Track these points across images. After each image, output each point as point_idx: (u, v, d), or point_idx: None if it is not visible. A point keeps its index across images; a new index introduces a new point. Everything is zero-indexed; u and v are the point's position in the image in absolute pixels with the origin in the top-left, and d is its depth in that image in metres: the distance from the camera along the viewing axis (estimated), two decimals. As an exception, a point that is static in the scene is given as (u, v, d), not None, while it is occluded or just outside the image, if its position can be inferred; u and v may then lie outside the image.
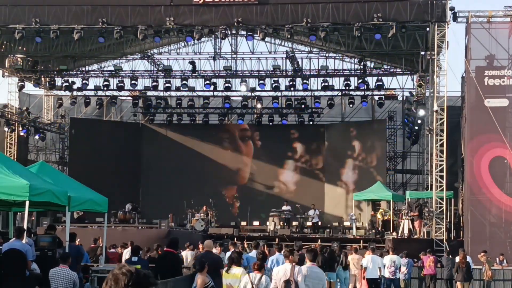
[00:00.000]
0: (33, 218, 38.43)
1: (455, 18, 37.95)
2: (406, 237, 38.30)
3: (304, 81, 48.97)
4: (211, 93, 52.39)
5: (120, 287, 5.22)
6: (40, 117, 53.56)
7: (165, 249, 20.96)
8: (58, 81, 50.77)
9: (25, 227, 19.03)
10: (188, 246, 28.89)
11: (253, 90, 51.01)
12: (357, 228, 43.61)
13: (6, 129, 48.29)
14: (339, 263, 26.91)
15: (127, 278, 5.22)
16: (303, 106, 51.99)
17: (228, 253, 20.65)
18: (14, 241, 17.76)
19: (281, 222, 44.03)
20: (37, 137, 52.23)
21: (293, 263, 15.83)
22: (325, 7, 37.51)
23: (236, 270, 15.79)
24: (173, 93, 53.23)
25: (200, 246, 24.97)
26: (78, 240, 24.27)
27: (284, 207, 45.43)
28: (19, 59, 48.03)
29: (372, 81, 48.71)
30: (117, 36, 39.21)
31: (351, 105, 51.24)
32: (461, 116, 41.09)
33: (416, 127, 47.51)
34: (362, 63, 48.26)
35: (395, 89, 50.64)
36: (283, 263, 18.94)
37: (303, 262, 18.98)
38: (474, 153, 37.20)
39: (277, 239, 39.50)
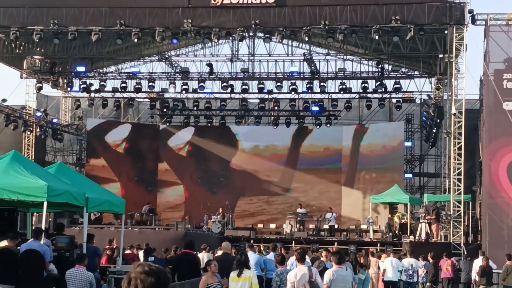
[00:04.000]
0: (50, 219, 38.50)
1: (473, 21, 37.75)
2: (423, 240, 38.15)
3: (322, 83, 48.86)
4: (228, 95, 52.35)
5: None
6: (58, 119, 53.70)
7: (183, 250, 20.96)
8: (76, 82, 50.90)
9: (43, 228, 19.06)
10: (205, 248, 28.88)
11: (270, 92, 50.95)
12: (374, 231, 43.53)
13: (24, 130, 48.45)
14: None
15: (153, 278, 5.27)
16: (320, 108, 51.87)
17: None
18: (32, 241, 17.80)
19: (297, 225, 44.00)
20: (54, 138, 52.39)
21: (309, 266, 15.81)
22: (343, 10, 37.43)
23: (248, 273, 15.69)
24: (190, 95, 53.25)
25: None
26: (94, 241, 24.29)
27: (299, 210, 45.40)
28: (37, 61, 48.21)
29: (390, 83, 48.53)
30: (135, 38, 39.26)
31: (368, 108, 51.11)
32: (479, 119, 40.90)
33: (434, 130, 47.30)
34: (380, 66, 48.16)
35: (413, 92, 50.51)
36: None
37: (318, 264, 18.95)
38: (492, 157, 36.98)
39: (293, 242, 39.52)
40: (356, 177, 52.93)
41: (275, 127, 53.46)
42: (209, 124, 54.51)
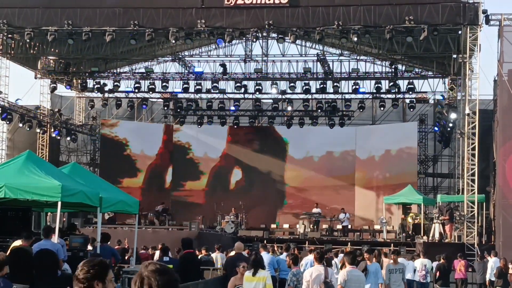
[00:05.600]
0: (64, 219, 38.66)
1: (487, 21, 37.66)
2: (437, 241, 38.10)
3: (335, 84, 48.85)
4: (242, 96, 52.38)
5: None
6: (72, 119, 53.87)
7: (185, 251, 20.89)
8: (90, 83, 51.04)
9: (57, 228, 19.13)
10: (218, 248, 28.89)
11: (283, 92, 50.94)
12: (388, 231, 43.50)
13: (38, 130, 48.65)
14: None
15: (166, 277, 5.31)
16: (333, 109, 51.87)
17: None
18: (43, 241, 17.87)
19: (311, 225, 44.01)
20: (68, 138, 52.58)
21: (325, 265, 15.83)
22: (357, 10, 37.39)
23: (262, 273, 15.68)
24: (203, 95, 53.32)
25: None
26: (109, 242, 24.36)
27: (314, 210, 45.41)
28: (51, 61, 48.38)
29: (403, 84, 48.43)
30: (148, 38, 39.34)
31: (382, 108, 51.05)
32: (493, 119, 40.78)
33: (448, 130, 47.19)
34: (393, 66, 48.09)
35: (426, 92, 50.38)
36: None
37: (330, 265, 18.96)
38: (506, 157, 36.87)
39: (307, 242, 39.54)
40: (369, 177, 52.87)
41: (288, 127, 53.50)
42: (222, 124, 54.47)
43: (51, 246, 17.47)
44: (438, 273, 28.57)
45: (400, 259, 27.00)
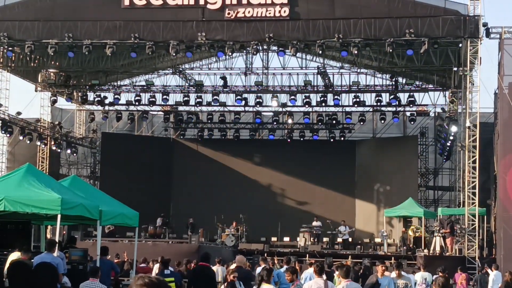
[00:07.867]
0: (64, 232, 38.58)
1: (488, 34, 37.68)
2: (438, 254, 37.99)
3: (336, 96, 48.84)
4: (242, 108, 52.39)
5: None
6: (72, 132, 53.85)
7: (199, 263, 20.82)
8: (90, 95, 51.02)
9: (56, 240, 19.07)
10: (219, 262, 28.78)
11: (284, 105, 50.95)
12: (388, 244, 43.39)
13: (38, 143, 48.63)
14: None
15: None
16: (334, 121, 51.89)
17: (258, 269, 20.49)
18: (45, 254, 17.82)
19: (311, 238, 43.90)
20: (69, 151, 52.54)
21: (325, 279, 15.76)
22: (357, 23, 37.39)
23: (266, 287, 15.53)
24: (204, 108, 53.33)
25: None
26: (109, 256, 24.28)
27: (314, 223, 45.30)
28: (51, 74, 48.42)
29: (404, 97, 48.42)
30: (149, 51, 39.32)
31: (382, 121, 51.03)
32: (494, 132, 40.74)
33: (448, 144, 47.15)
34: (393, 79, 48.07)
35: (427, 105, 50.37)
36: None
37: (332, 279, 18.87)
38: (507, 170, 36.80)
39: (307, 255, 39.42)
40: (370, 190, 52.79)
41: (288, 140, 53.50)
42: (223, 137, 54.39)
43: (51, 260, 17.38)
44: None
45: (403, 273, 26.97)
